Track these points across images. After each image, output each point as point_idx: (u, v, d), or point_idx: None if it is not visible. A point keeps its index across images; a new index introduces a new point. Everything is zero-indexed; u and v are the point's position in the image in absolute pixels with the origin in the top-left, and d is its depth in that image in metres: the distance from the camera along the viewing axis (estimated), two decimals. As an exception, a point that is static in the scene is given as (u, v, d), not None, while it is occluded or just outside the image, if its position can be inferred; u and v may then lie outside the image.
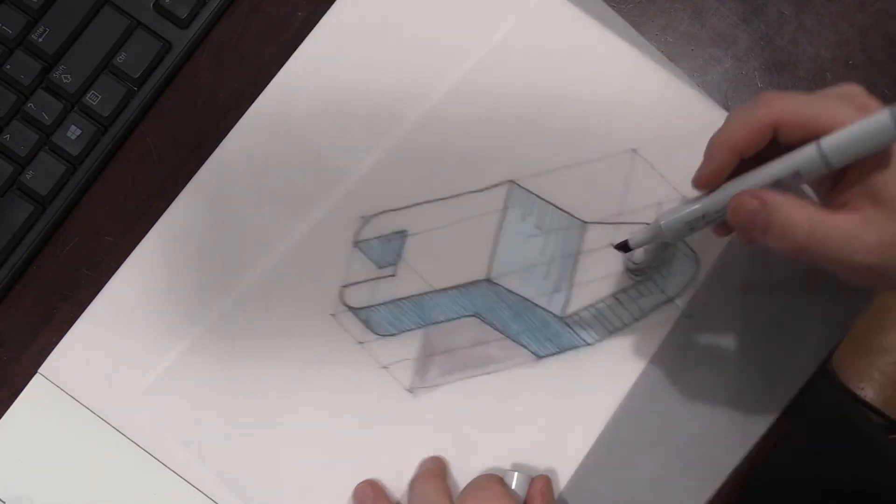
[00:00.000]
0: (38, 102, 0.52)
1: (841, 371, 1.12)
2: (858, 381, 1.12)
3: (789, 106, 0.42)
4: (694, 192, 0.46)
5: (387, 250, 0.52)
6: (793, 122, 0.42)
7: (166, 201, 0.53)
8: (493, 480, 0.49)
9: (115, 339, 0.52)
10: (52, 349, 0.52)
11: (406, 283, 0.52)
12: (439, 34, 0.54)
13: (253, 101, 0.54)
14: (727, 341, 0.52)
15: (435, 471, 0.50)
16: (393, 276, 0.52)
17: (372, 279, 0.52)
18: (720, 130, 0.44)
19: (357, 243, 0.52)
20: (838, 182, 0.43)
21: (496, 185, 0.53)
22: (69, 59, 0.53)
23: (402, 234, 0.52)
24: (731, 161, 0.43)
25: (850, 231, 0.41)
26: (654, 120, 0.53)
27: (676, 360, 0.52)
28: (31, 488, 0.51)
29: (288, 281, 0.52)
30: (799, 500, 0.80)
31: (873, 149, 0.40)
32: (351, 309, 0.52)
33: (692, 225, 0.45)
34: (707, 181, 0.44)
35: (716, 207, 0.44)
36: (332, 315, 0.52)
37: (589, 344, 0.52)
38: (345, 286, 0.52)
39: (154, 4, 0.54)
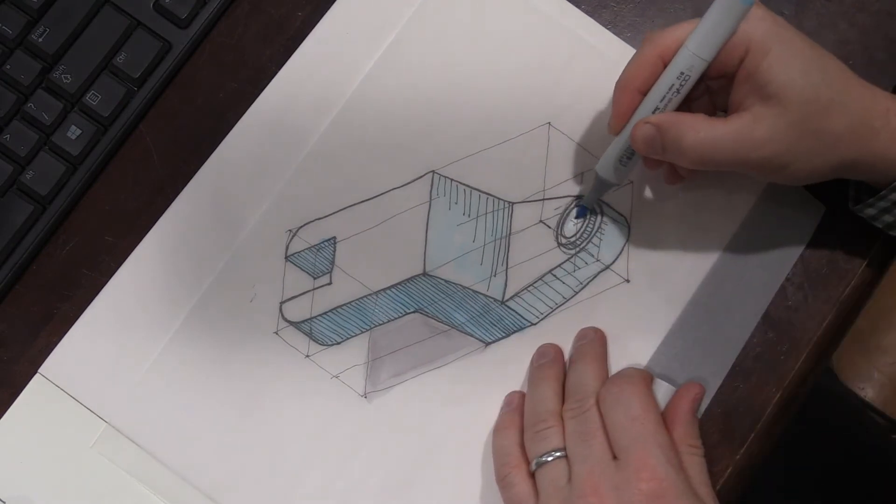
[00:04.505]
0: (38, 102, 0.52)
1: (841, 371, 1.12)
2: (858, 382, 1.12)
3: (668, 37, 0.46)
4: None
5: (319, 260, 0.52)
6: (673, 47, 0.46)
7: (166, 201, 0.53)
8: (641, 374, 0.49)
9: (115, 339, 0.52)
10: (52, 349, 0.52)
11: (343, 290, 0.52)
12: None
13: (253, 101, 0.54)
14: (669, 301, 0.52)
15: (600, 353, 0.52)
16: (329, 284, 0.52)
17: (309, 291, 0.52)
18: (620, 77, 0.47)
19: (288, 257, 0.53)
20: (734, 89, 0.46)
21: (418, 178, 0.53)
22: (69, 59, 0.53)
23: (331, 242, 0.52)
24: (632, 100, 0.47)
25: (740, 131, 0.45)
26: (564, 90, 0.53)
27: (621, 326, 0.52)
28: (31, 488, 0.51)
29: (226, 303, 0.52)
30: (800, 500, 0.80)
31: (727, 28, 0.44)
32: (293, 324, 0.52)
33: (622, 161, 0.49)
34: (618, 124, 0.48)
35: (627, 141, 0.48)
36: (276, 333, 0.52)
37: (533, 324, 0.52)
38: (283, 302, 0.52)
39: (154, 4, 0.54)
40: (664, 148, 0.46)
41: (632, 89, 0.47)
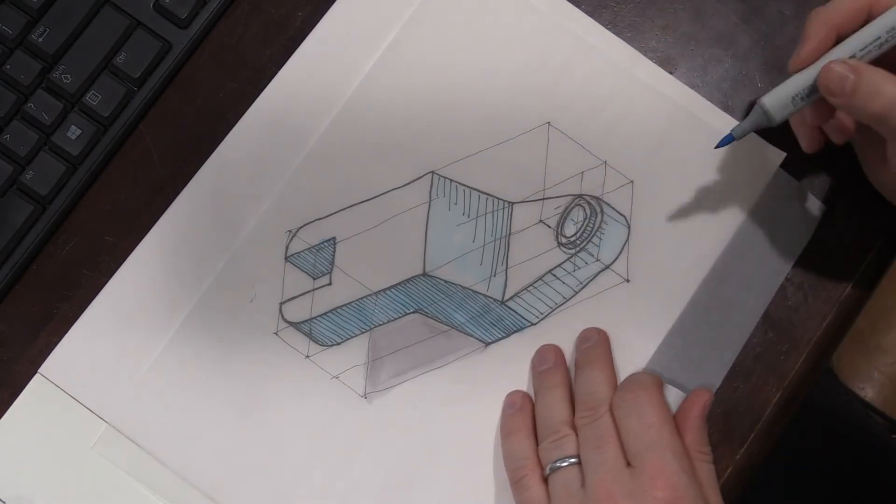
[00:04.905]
0: (38, 102, 0.52)
1: (841, 371, 1.12)
2: (858, 381, 1.12)
3: None
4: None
5: (319, 260, 0.52)
6: (885, 2, 0.45)
7: (166, 201, 0.53)
8: (654, 380, 0.49)
9: (115, 339, 0.52)
10: (52, 349, 0.52)
11: (343, 290, 0.52)
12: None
13: (253, 101, 0.54)
14: (669, 301, 0.52)
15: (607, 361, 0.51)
16: (329, 284, 0.52)
17: (308, 291, 0.52)
18: (819, 10, 0.46)
19: (288, 258, 0.53)
20: None
21: (418, 178, 0.53)
22: (69, 59, 0.53)
23: (331, 242, 0.52)
24: (828, 38, 0.45)
25: None
26: (564, 90, 0.53)
27: (621, 326, 0.52)
28: (31, 488, 0.51)
29: (226, 304, 0.52)
30: (800, 500, 0.80)
31: None
32: (292, 324, 0.52)
33: (795, 100, 0.47)
34: (806, 59, 0.46)
35: (812, 79, 0.46)
36: (276, 333, 0.52)
37: (533, 324, 0.52)
38: (283, 302, 0.52)
39: (154, 4, 0.54)
40: (855, 90, 0.44)
41: (831, 26, 0.45)
